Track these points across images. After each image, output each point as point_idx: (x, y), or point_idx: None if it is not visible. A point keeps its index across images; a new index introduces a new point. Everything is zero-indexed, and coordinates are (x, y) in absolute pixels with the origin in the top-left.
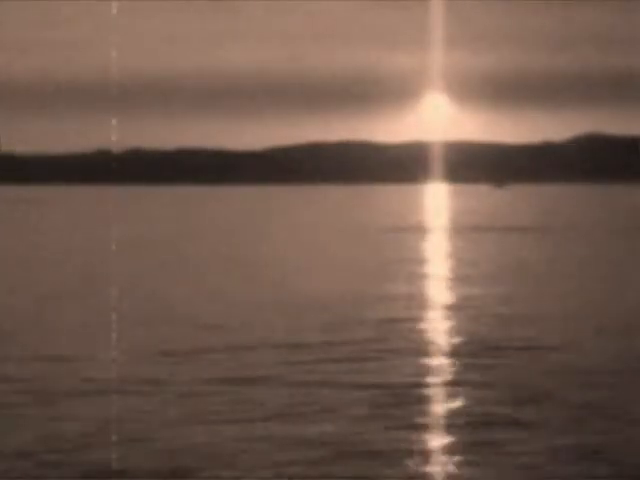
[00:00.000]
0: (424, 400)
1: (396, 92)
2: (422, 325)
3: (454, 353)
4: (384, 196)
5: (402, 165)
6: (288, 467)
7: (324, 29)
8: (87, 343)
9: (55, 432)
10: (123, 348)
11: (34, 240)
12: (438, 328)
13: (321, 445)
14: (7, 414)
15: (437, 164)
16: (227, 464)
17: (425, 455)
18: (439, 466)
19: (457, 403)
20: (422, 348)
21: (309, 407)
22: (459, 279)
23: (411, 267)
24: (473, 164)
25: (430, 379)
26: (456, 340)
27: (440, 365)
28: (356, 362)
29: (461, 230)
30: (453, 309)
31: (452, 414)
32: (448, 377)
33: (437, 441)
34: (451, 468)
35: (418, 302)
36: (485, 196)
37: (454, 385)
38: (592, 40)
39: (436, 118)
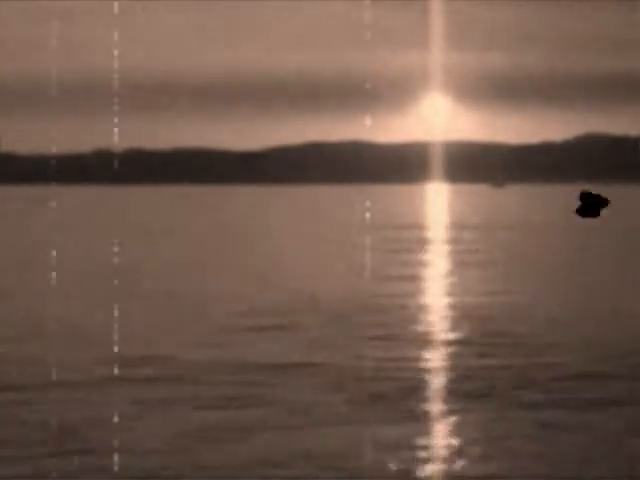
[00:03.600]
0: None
1: (396, 92)
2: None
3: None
4: (384, 196)
5: (402, 165)
6: None
7: (324, 29)
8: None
9: None
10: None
11: (38, 241)
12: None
13: None
14: None
15: (437, 164)
16: None
17: None
18: None
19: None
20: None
21: None
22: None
23: (408, 269)
24: (473, 164)
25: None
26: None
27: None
28: None
29: (459, 230)
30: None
31: None
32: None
33: None
34: None
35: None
36: (484, 196)
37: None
38: (592, 40)
39: (436, 118)
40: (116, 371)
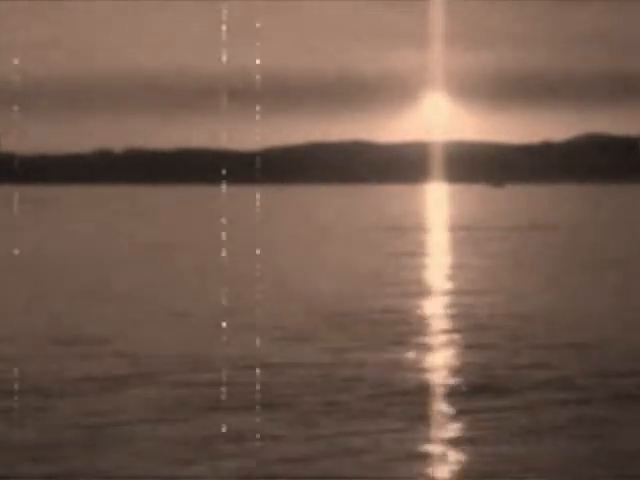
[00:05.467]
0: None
1: (396, 92)
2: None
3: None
4: (384, 196)
5: (402, 165)
6: None
7: (324, 29)
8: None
9: None
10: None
11: (41, 241)
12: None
13: None
14: None
15: (437, 164)
16: None
17: None
18: None
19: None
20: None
21: None
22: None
23: (408, 272)
24: (473, 164)
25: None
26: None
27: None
28: None
29: (459, 230)
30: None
31: None
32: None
33: None
34: None
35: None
36: (484, 197)
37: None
38: (592, 40)
39: (436, 118)
40: (125, 372)
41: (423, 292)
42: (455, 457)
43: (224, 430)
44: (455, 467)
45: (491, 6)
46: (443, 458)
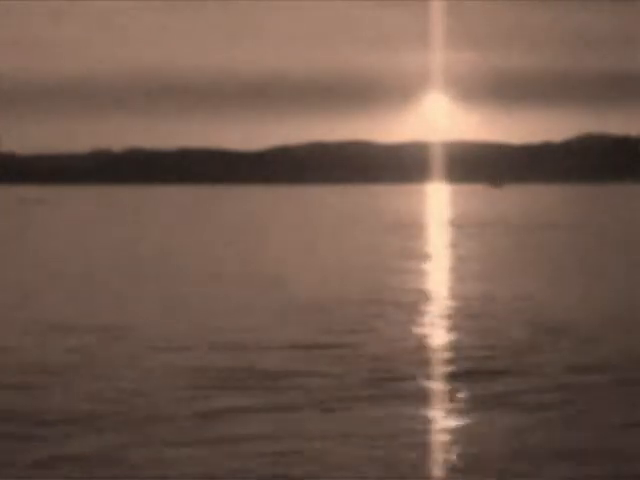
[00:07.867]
0: None
1: (396, 92)
2: None
3: None
4: (384, 196)
5: (402, 165)
6: None
7: (324, 29)
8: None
9: None
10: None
11: (42, 242)
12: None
13: None
14: None
15: (437, 164)
16: None
17: None
18: None
19: None
20: None
21: None
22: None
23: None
24: (473, 164)
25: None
26: None
27: None
28: None
29: (458, 230)
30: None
31: None
32: None
33: None
34: None
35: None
36: (481, 197)
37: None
38: (593, 40)
39: (436, 118)
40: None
41: (421, 284)
42: None
43: None
44: None
45: (491, 6)
46: None
